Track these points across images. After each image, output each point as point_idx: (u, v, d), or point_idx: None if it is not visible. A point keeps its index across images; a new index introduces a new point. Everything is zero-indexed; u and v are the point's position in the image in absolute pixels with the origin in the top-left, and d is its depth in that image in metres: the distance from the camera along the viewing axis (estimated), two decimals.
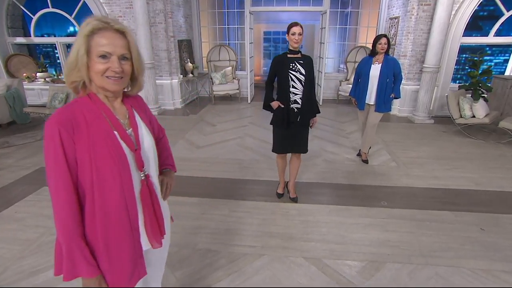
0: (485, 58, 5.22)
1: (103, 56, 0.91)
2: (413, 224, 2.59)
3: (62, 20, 6.67)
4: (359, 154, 4.04)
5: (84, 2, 6.19)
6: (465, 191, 3.18)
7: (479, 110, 4.69)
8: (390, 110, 3.78)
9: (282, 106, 2.56)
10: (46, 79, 6.79)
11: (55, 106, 5.07)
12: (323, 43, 6.72)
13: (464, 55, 7.93)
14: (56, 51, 7.04)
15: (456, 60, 5.86)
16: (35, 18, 6.72)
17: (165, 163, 1.27)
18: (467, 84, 5.12)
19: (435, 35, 5.21)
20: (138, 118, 1.08)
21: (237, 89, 7.23)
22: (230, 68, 7.40)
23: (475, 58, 5.04)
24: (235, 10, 8.17)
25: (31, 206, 2.83)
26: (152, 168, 1.10)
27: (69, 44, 6.84)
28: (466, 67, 5.61)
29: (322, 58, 6.79)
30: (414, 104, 5.92)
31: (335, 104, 7.14)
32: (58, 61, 7.22)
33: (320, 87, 6.99)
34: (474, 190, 3.19)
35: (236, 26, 8.43)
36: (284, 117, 2.57)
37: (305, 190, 3.13)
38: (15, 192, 3.08)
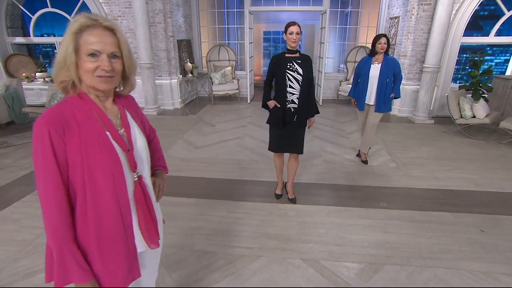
0: (486, 58, 5.19)
1: (92, 55, 0.88)
2: (412, 226, 2.57)
3: (61, 20, 6.66)
4: (358, 155, 4.02)
5: (84, 2, 6.19)
6: (465, 192, 3.16)
7: (480, 110, 4.67)
8: (391, 110, 3.76)
9: (279, 105, 2.54)
10: (45, 79, 6.78)
11: None
12: (323, 43, 6.70)
13: (464, 55, 7.91)
14: (55, 51, 7.03)
15: (457, 60, 5.84)
16: (34, 18, 6.71)
17: (157, 164, 1.25)
18: (468, 84, 5.10)
19: (435, 35, 5.19)
20: (130, 118, 1.06)
21: (237, 89, 7.22)
22: (229, 68, 7.38)
23: (476, 58, 5.02)
24: (235, 10, 8.16)
25: (28, 206, 2.82)
26: (145, 169, 1.08)
27: None
28: (467, 67, 5.59)
29: (322, 58, 6.77)
30: (414, 104, 5.90)
31: (335, 104, 7.12)
32: None
33: (320, 87, 6.97)
34: (474, 191, 3.17)
35: (235, 26, 8.41)
36: (279, 117, 2.55)
37: (304, 191, 3.10)
38: (13, 192, 3.07)
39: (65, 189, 0.89)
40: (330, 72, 8.13)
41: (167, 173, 1.29)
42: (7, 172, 3.53)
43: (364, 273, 2.05)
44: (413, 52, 5.80)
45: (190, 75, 6.88)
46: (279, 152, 2.79)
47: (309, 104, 2.59)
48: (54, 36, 7.33)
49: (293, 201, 2.90)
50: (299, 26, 2.39)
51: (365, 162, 3.83)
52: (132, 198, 1.01)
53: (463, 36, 5.66)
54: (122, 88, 1.05)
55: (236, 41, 8.93)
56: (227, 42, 8.43)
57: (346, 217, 2.69)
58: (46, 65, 7.12)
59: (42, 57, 7.34)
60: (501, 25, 5.74)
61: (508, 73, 6.14)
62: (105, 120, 0.96)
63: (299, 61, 2.47)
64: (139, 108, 1.17)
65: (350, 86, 3.83)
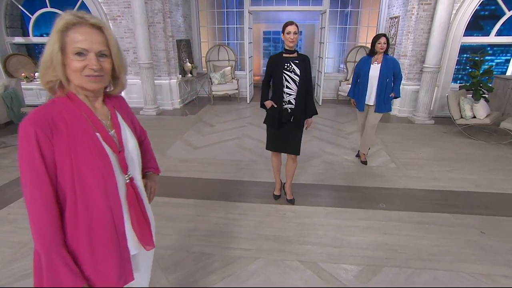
0: (486, 58, 5.17)
1: (79, 53, 0.86)
2: (411, 227, 2.54)
3: None
4: (358, 155, 4.00)
5: (83, 1, 6.18)
6: (465, 193, 3.13)
7: (480, 111, 4.64)
8: (391, 110, 3.74)
9: (275, 106, 2.53)
10: None
11: None
12: (323, 43, 6.68)
13: (465, 55, 7.89)
14: None
15: (457, 60, 5.81)
16: (33, 17, 6.69)
17: (148, 166, 1.23)
18: (468, 84, 5.08)
19: (435, 34, 5.16)
20: (120, 119, 1.04)
21: (236, 89, 7.19)
22: (229, 68, 7.36)
23: (476, 58, 4.99)
24: (235, 9, 8.14)
25: (25, 207, 2.79)
26: (137, 171, 1.06)
27: None
28: (467, 67, 5.57)
29: (322, 58, 6.75)
30: (414, 104, 5.87)
31: (334, 104, 7.10)
32: None
33: (320, 87, 6.95)
34: (475, 192, 3.14)
35: (235, 26, 8.39)
36: (276, 117, 2.54)
37: (302, 192, 3.08)
38: (10, 193, 3.05)
39: (54, 191, 0.87)
40: (330, 72, 8.11)
41: (158, 174, 1.27)
42: (4, 172, 3.51)
43: (362, 275, 2.03)
44: (413, 52, 5.78)
45: (189, 75, 6.86)
46: (276, 151, 2.78)
47: (306, 104, 2.57)
48: None
49: (291, 202, 2.88)
50: (297, 25, 2.37)
51: (365, 162, 3.81)
52: (124, 200, 0.99)
53: (463, 36, 5.63)
54: (112, 88, 1.03)
55: (235, 41, 8.91)
56: (226, 42, 8.41)
57: (344, 218, 2.67)
58: None
59: None
60: (501, 25, 5.71)
61: (508, 73, 6.12)
62: (95, 121, 0.94)
63: (297, 62, 2.45)
64: (130, 108, 1.15)
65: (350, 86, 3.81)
